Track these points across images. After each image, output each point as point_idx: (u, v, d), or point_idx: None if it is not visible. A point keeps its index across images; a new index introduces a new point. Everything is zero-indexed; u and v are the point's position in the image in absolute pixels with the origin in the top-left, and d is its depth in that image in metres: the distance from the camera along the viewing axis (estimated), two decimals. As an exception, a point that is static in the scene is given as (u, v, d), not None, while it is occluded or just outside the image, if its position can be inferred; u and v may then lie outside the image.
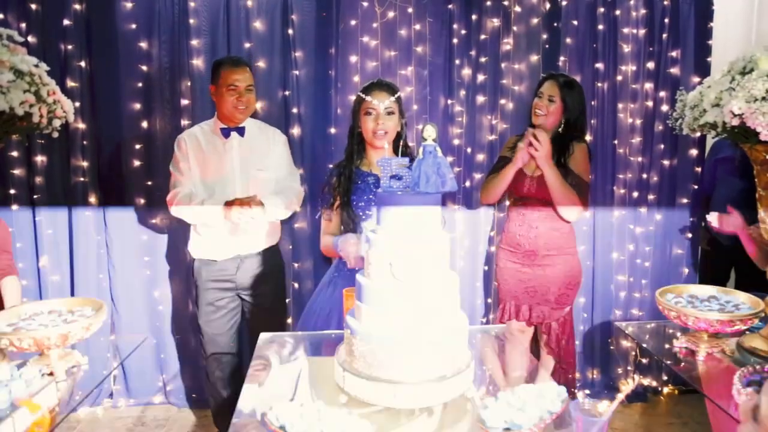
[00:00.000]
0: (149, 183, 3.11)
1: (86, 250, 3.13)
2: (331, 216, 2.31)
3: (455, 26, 3.21)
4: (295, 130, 3.13)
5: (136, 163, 3.11)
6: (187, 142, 2.59)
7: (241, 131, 2.62)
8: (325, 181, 2.36)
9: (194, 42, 3.04)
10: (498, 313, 2.90)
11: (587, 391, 3.45)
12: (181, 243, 3.14)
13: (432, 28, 3.20)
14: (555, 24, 3.26)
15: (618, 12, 3.30)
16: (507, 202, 2.97)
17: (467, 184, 3.33)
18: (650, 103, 3.40)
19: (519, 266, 2.69)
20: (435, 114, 3.25)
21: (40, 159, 3.03)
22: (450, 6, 3.19)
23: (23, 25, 2.93)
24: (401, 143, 2.14)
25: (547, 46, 3.28)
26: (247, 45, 3.06)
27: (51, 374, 1.59)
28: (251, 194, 2.53)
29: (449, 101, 3.25)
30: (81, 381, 1.66)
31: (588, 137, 3.31)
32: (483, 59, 3.26)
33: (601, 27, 3.30)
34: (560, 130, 2.63)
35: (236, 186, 2.57)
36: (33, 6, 2.93)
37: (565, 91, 2.59)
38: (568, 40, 3.30)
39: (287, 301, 3.13)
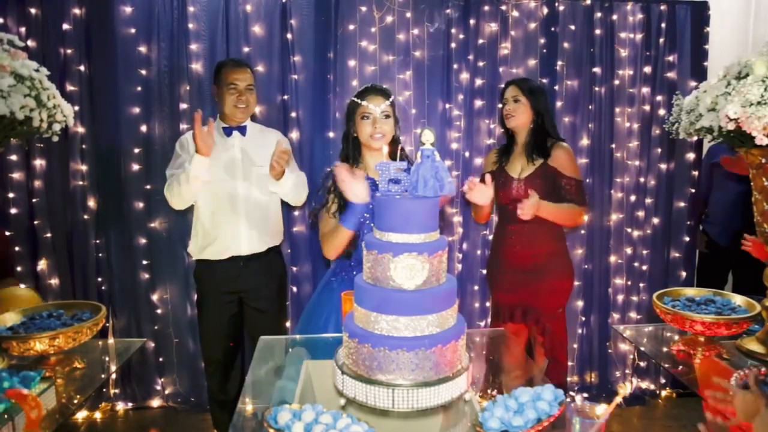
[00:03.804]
0: (148, 187, 3.11)
1: (85, 253, 3.14)
2: (324, 215, 2.28)
3: (453, 31, 3.22)
4: (294, 134, 3.14)
5: (135, 167, 3.11)
6: (189, 141, 2.60)
7: (242, 130, 2.63)
8: (320, 184, 2.35)
9: (193, 46, 3.05)
10: (491, 317, 2.91)
11: (585, 394, 3.45)
12: (179, 247, 3.14)
13: (430, 32, 3.21)
14: (552, 28, 3.28)
15: (615, 17, 3.32)
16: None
17: (465, 187, 3.33)
18: (647, 107, 3.41)
19: (511, 270, 2.69)
20: (433, 118, 3.26)
21: (39, 163, 3.03)
22: (448, 11, 3.20)
23: (23, 30, 2.93)
24: (399, 148, 2.15)
25: (544, 50, 3.30)
26: (246, 49, 3.08)
27: (50, 377, 1.59)
28: (252, 190, 2.58)
29: (447, 105, 3.26)
30: (80, 384, 1.67)
31: (585, 141, 3.34)
32: (481, 63, 3.27)
33: (598, 31, 3.32)
34: (532, 126, 2.63)
35: (237, 181, 2.58)
36: (33, 10, 2.94)
37: (526, 91, 2.61)
38: (566, 45, 3.32)
39: (287, 304, 3.13)
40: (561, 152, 2.60)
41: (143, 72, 3.06)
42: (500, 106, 2.71)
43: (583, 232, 3.42)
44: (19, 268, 3.05)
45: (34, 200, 3.05)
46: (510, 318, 2.72)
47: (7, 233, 3.01)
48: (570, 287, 2.80)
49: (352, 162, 2.30)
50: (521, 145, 2.66)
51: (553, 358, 2.71)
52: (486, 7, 3.24)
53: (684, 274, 3.56)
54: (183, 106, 3.08)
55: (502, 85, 2.93)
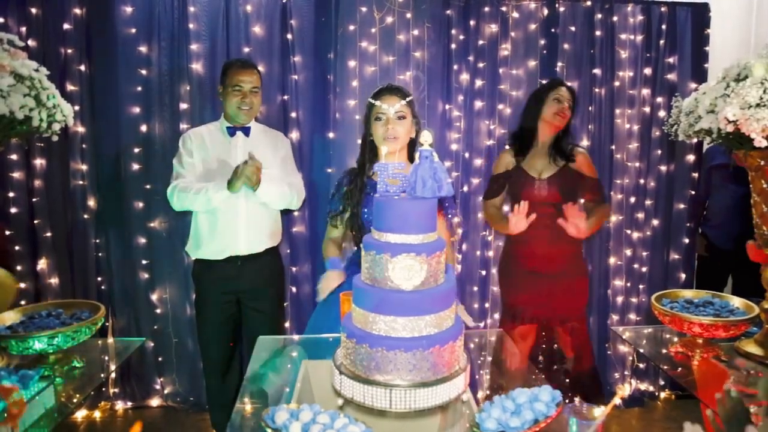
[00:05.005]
0: (148, 187, 3.12)
1: (85, 253, 3.14)
2: (337, 223, 2.29)
3: (453, 31, 3.23)
4: (294, 135, 3.14)
5: (135, 166, 3.11)
6: (192, 139, 2.61)
7: (246, 131, 2.63)
8: (335, 187, 2.33)
9: (194, 46, 3.05)
10: (503, 318, 2.90)
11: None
12: (179, 246, 3.14)
13: (430, 33, 3.21)
14: (553, 30, 3.28)
15: (615, 18, 3.32)
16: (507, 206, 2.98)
17: (465, 188, 3.34)
18: (647, 109, 3.41)
19: (532, 272, 2.70)
20: (433, 119, 3.26)
21: (39, 162, 3.04)
22: (448, 11, 3.21)
23: (23, 29, 2.94)
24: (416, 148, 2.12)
25: (544, 51, 3.30)
26: (246, 49, 3.08)
27: (49, 376, 1.59)
28: (252, 192, 2.57)
29: (447, 106, 3.27)
30: (79, 383, 1.67)
31: (585, 142, 3.35)
32: (481, 64, 3.27)
33: (598, 33, 3.32)
34: (563, 129, 2.70)
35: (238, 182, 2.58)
36: (33, 10, 2.94)
37: (573, 98, 2.71)
38: (566, 46, 3.32)
39: (285, 304, 3.13)
40: (583, 157, 2.72)
41: (143, 72, 3.06)
42: (533, 104, 2.70)
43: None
44: (19, 267, 3.05)
45: (34, 200, 3.05)
46: (530, 320, 2.76)
47: (7, 232, 3.02)
48: (588, 285, 2.93)
49: (368, 165, 2.23)
50: (544, 146, 2.70)
51: (582, 356, 2.81)
52: (486, 8, 3.24)
53: (683, 276, 3.55)
54: (183, 106, 3.08)
55: (502, 86, 2.96)
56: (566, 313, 2.75)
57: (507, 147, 2.85)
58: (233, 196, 2.49)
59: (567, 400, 1.32)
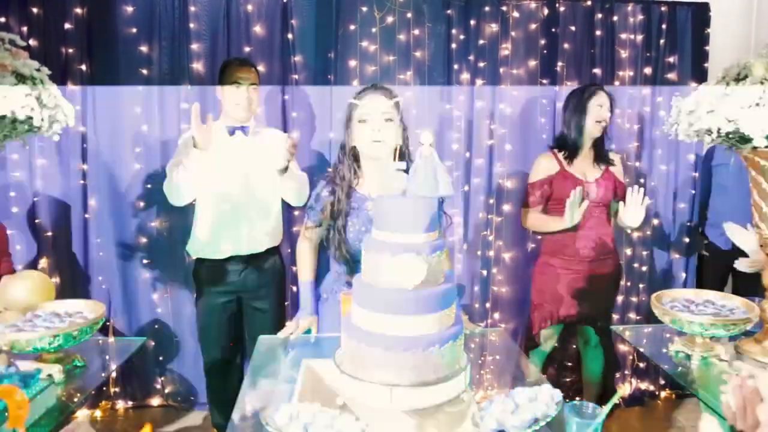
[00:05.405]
0: (149, 186, 3.12)
1: (85, 252, 3.15)
2: (313, 236, 2.12)
3: (454, 31, 3.23)
4: (294, 134, 3.14)
5: (136, 166, 3.12)
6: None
7: (245, 130, 2.63)
8: (313, 197, 2.11)
9: (194, 46, 3.06)
10: (537, 318, 2.91)
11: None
12: (180, 246, 3.14)
13: (431, 33, 3.22)
14: (553, 29, 3.28)
15: (615, 18, 3.32)
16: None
17: (465, 188, 3.34)
18: (647, 109, 3.41)
19: (573, 271, 2.75)
20: (434, 118, 3.26)
21: (40, 162, 3.04)
22: (449, 11, 3.21)
23: (24, 29, 2.94)
24: (398, 148, 2.03)
25: (545, 51, 3.30)
26: (247, 49, 3.08)
27: (50, 376, 1.60)
28: (253, 190, 2.58)
29: (448, 106, 3.27)
30: (79, 383, 1.67)
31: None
32: (481, 64, 3.27)
33: (598, 32, 3.32)
34: (601, 138, 2.80)
35: (238, 181, 2.58)
36: (34, 10, 2.95)
37: (611, 103, 2.79)
38: (566, 46, 3.32)
39: (286, 303, 3.14)
40: (620, 162, 2.91)
41: (144, 71, 3.06)
42: (577, 113, 2.73)
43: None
44: (20, 267, 3.05)
45: (35, 199, 3.06)
46: (563, 319, 2.81)
47: (9, 232, 3.02)
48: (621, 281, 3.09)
49: (350, 175, 1.98)
50: (584, 149, 2.77)
51: (609, 353, 2.96)
52: (486, 8, 3.24)
53: (684, 275, 3.55)
54: (184, 105, 3.08)
55: (503, 86, 2.95)
56: (600, 312, 2.85)
57: (542, 152, 2.93)
58: (234, 193, 2.50)
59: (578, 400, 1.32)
